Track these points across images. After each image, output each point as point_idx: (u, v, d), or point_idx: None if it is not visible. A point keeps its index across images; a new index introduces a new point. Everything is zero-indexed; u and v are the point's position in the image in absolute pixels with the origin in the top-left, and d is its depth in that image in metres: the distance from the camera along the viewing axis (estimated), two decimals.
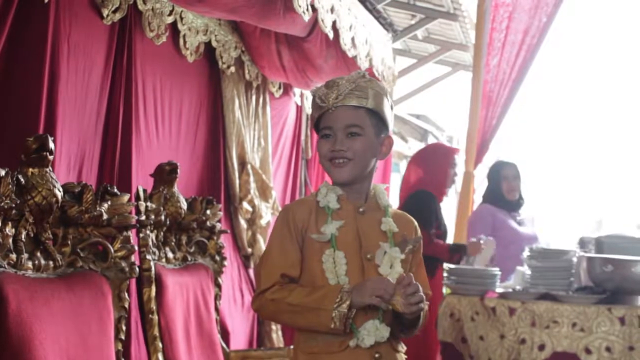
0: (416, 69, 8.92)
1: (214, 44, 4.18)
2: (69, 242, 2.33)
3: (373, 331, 2.07)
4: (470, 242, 4.64)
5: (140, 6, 3.44)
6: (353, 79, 2.15)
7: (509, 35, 6.40)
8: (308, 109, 5.73)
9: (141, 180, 3.38)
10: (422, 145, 11.73)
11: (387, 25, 5.44)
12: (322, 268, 2.09)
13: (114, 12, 3.26)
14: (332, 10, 3.93)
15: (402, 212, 2.30)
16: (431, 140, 12.07)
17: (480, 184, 6.42)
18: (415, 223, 2.28)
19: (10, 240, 2.11)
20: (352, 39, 4.34)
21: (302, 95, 5.59)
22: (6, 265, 2.08)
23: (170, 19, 3.70)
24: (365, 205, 2.19)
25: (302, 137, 5.79)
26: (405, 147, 10.97)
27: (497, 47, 6.42)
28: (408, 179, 5.15)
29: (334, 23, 3.98)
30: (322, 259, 2.09)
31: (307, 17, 3.53)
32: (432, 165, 4.83)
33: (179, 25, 3.82)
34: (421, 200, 4.64)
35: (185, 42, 3.89)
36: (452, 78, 9.75)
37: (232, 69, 4.40)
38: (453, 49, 8.71)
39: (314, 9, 3.68)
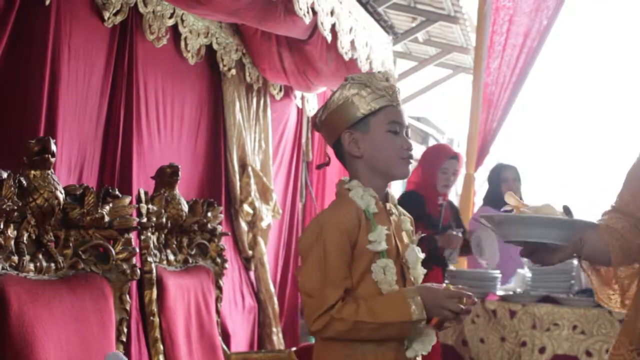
0: (417, 71, 8.93)
1: (215, 46, 4.19)
2: (71, 244, 2.33)
3: (428, 340, 2.09)
4: (443, 235, 4.45)
5: (141, 9, 3.45)
6: (388, 76, 2.18)
7: (510, 38, 6.41)
8: (309, 111, 5.74)
9: (142, 182, 3.38)
10: (422, 148, 11.75)
11: (388, 27, 5.45)
12: (371, 278, 2.04)
13: (115, 14, 3.27)
14: (332, 13, 3.94)
15: (402, 209, 2.29)
16: (432, 143, 12.07)
17: (481, 187, 6.42)
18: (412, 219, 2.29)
19: (12, 242, 2.11)
20: (352, 41, 4.35)
21: (302, 98, 5.60)
22: (8, 267, 2.09)
23: (171, 22, 3.71)
24: (390, 205, 2.18)
25: (303, 140, 5.80)
26: None
27: (497, 50, 6.43)
28: (408, 179, 5.06)
29: (333, 26, 3.99)
30: (373, 268, 2.04)
31: (307, 20, 3.55)
32: (425, 166, 4.75)
33: (180, 28, 3.82)
34: (406, 202, 4.57)
35: (186, 45, 3.90)
36: (452, 81, 9.76)
37: (233, 71, 4.41)
38: (454, 52, 8.72)
39: (315, 12, 3.69)
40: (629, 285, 2.15)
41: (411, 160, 2.14)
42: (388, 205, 2.17)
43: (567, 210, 2.02)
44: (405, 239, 2.17)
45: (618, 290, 2.16)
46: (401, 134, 2.12)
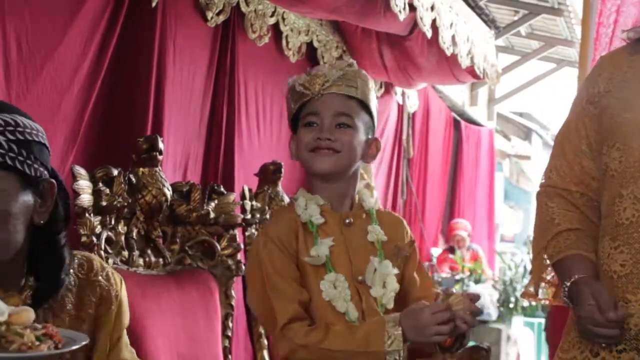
0: (519, 66, 8.74)
1: (315, 44, 4.20)
2: (178, 240, 2.39)
3: None
4: None
5: (243, 8, 3.48)
6: (341, 67, 1.92)
7: (617, 30, 6.19)
8: (410, 107, 5.71)
9: (243, 179, 3.42)
10: (526, 144, 11.50)
11: (490, 21, 5.36)
12: (322, 296, 1.81)
13: (218, 14, 3.31)
14: (432, 8, 3.90)
15: (388, 212, 2.06)
16: (535, 138, 11.80)
17: None
18: (404, 221, 2.03)
19: (123, 237, 2.18)
20: (453, 36, 4.29)
21: (403, 94, 5.57)
22: (119, 262, 2.15)
23: (272, 20, 3.74)
24: (351, 213, 1.91)
25: (404, 136, 5.77)
26: (508, 146, 10.78)
27: (604, 42, 6.20)
28: None
29: (434, 21, 3.94)
30: (322, 286, 1.81)
31: (402, 17, 3.52)
32: None
33: (281, 26, 3.85)
34: None
35: (287, 43, 3.93)
36: (556, 75, 9.51)
37: None
38: (558, 45, 8.48)
39: (414, 8, 3.66)
40: None
41: (327, 151, 1.84)
42: (346, 212, 1.90)
43: None
44: (369, 252, 1.88)
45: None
46: (320, 125, 1.86)
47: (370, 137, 1.93)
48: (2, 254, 1.37)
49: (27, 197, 1.38)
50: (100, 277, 1.54)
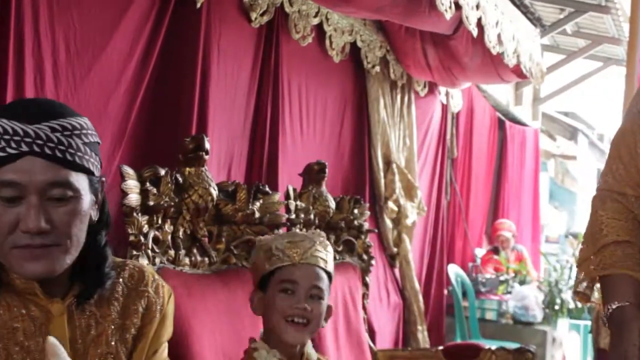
0: (565, 64, 8.64)
1: (359, 44, 4.20)
2: (223, 239, 2.40)
3: None
4: None
5: (287, 8, 3.50)
6: (314, 238, 2.10)
7: None
8: (454, 107, 5.69)
9: (286, 179, 3.43)
10: (571, 144, 11.36)
11: (535, 20, 5.30)
12: None
13: (262, 15, 3.33)
14: (477, 7, 3.86)
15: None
16: (581, 138, 11.65)
17: None
18: None
19: (169, 237, 2.19)
20: (498, 35, 4.25)
21: (447, 94, 5.54)
22: (166, 261, 2.17)
23: (316, 21, 3.74)
24: None
25: (448, 136, 5.74)
26: (553, 146, 10.65)
27: None
28: None
29: (479, 20, 3.91)
30: None
31: (449, 15, 3.49)
32: None
33: (325, 26, 3.85)
34: None
35: (331, 43, 3.93)
36: (603, 73, 9.38)
37: (377, 68, 4.40)
38: (604, 43, 8.36)
39: (459, 7, 3.63)
40: None
41: (302, 321, 2.01)
42: None
43: None
44: None
45: None
46: (297, 295, 2.02)
47: (328, 303, 2.11)
48: (75, 253, 1.39)
49: (91, 197, 1.41)
50: (149, 288, 1.54)
